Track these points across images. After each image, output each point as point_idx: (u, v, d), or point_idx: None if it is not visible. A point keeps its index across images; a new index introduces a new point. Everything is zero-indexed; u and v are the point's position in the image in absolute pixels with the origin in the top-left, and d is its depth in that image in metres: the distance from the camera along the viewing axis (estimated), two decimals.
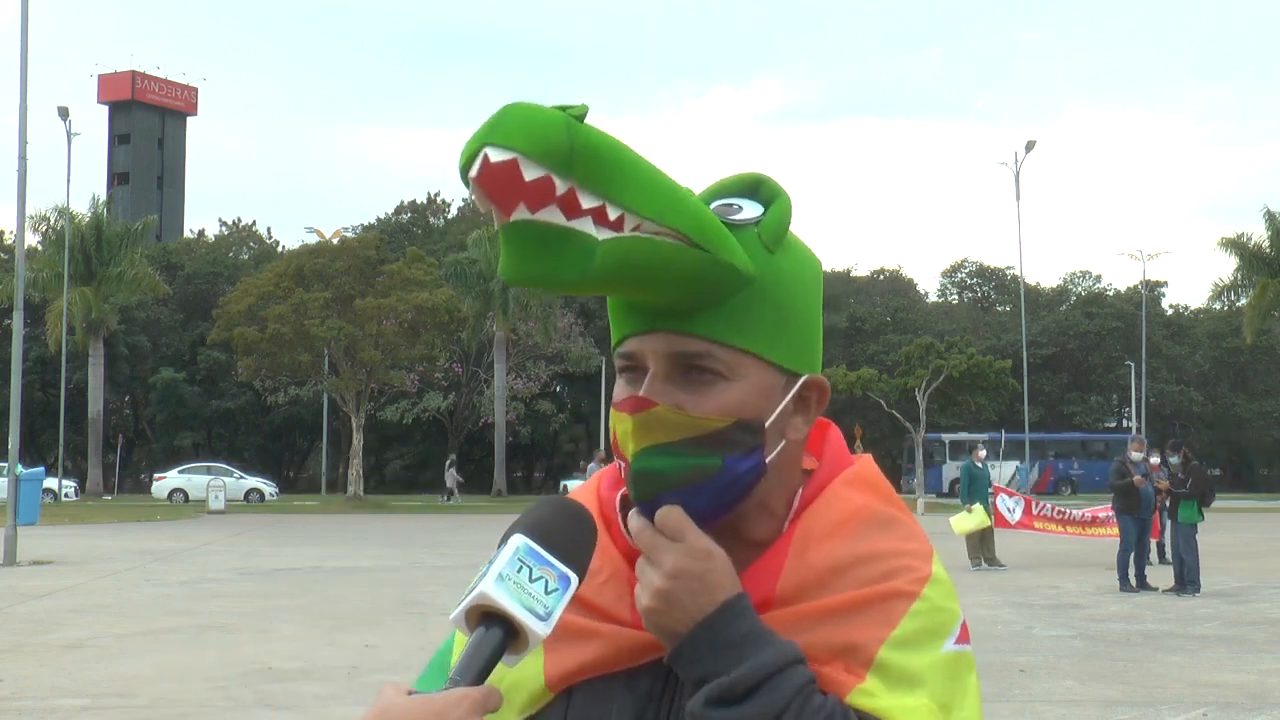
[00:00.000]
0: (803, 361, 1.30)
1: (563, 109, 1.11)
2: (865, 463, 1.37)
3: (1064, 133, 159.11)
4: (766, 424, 1.26)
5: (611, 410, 1.30)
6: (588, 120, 1.13)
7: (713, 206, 1.26)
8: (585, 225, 1.13)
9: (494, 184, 1.11)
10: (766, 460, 1.26)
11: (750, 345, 1.25)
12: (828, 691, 1.19)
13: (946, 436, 60.88)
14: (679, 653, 1.19)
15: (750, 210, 1.28)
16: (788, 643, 1.19)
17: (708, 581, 1.19)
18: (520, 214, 1.12)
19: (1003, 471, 51.44)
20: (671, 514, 1.21)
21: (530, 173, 1.09)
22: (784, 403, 1.28)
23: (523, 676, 1.27)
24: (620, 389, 1.29)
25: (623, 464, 1.27)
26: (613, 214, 1.14)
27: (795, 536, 1.28)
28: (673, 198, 1.18)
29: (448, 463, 55.89)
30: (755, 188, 1.31)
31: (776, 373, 1.28)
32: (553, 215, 1.12)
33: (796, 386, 1.29)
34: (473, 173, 1.11)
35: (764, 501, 1.29)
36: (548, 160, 1.09)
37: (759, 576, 1.25)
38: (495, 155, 1.09)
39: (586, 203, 1.12)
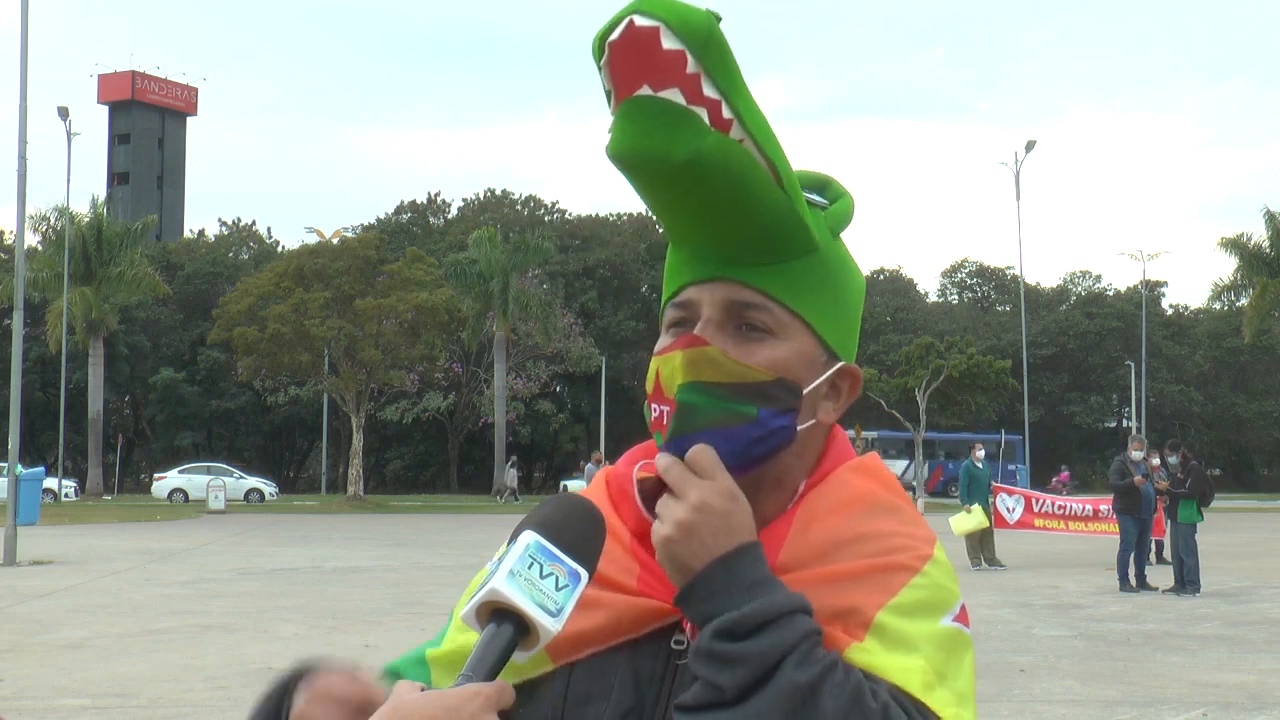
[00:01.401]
0: (844, 348, 1.35)
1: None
2: (871, 456, 1.40)
3: (1066, 133, 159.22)
4: (805, 390, 1.29)
5: (655, 357, 1.31)
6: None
7: None
8: (701, 113, 1.18)
9: (630, 51, 1.15)
10: (798, 428, 1.29)
11: (803, 309, 1.29)
12: (827, 648, 1.20)
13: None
14: (691, 587, 1.20)
15: (819, 200, 1.34)
16: (798, 594, 1.20)
17: (730, 522, 1.20)
18: (644, 91, 1.16)
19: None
20: (705, 452, 1.23)
21: (669, 43, 1.15)
22: (822, 378, 1.31)
23: None
24: (665, 340, 1.31)
25: (664, 408, 1.28)
26: (726, 113, 1.19)
27: (799, 514, 1.30)
28: (774, 133, 1.23)
29: (508, 463, 55.56)
30: (823, 186, 1.38)
31: (820, 347, 1.31)
32: (675, 95, 1.16)
33: (835, 368, 1.33)
34: (614, 36, 1.16)
35: (779, 478, 1.31)
36: (688, 36, 1.15)
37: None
38: (641, 21, 1.15)
39: (708, 91, 1.17)
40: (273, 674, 1.33)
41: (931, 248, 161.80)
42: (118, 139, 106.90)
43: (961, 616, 1.29)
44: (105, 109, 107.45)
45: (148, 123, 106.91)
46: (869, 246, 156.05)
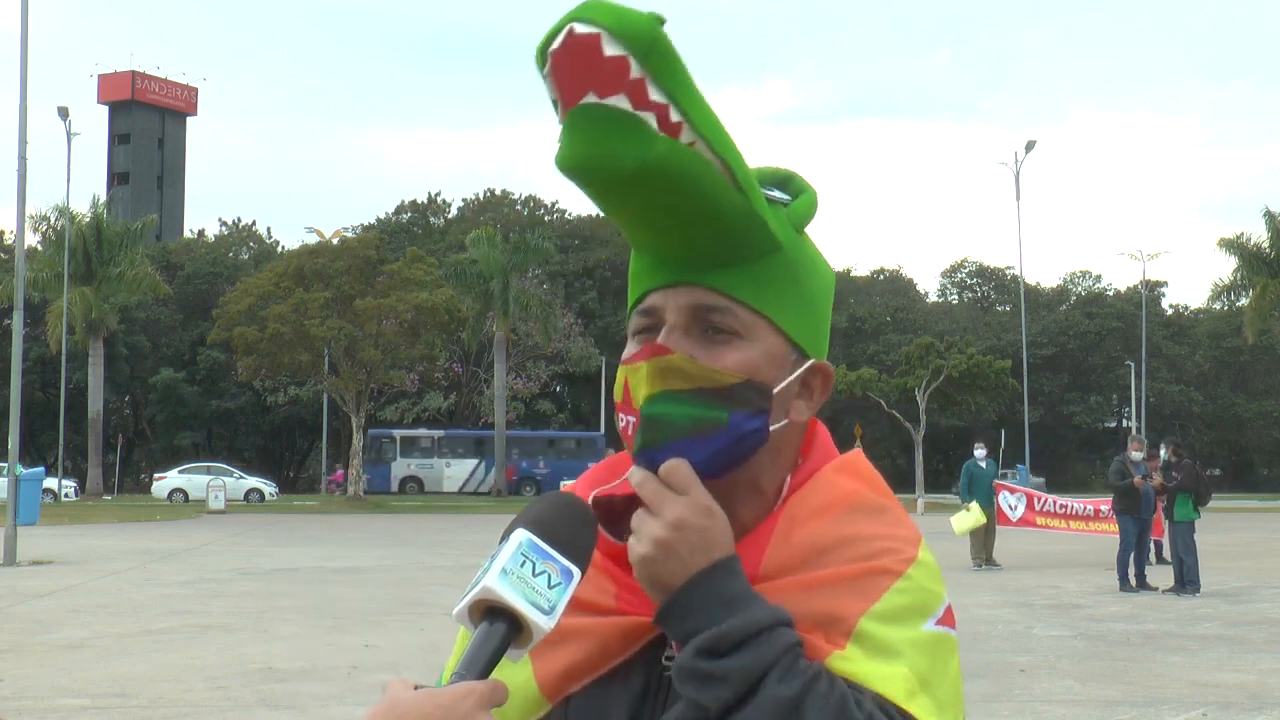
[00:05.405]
0: (813, 345, 1.32)
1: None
2: (856, 454, 1.38)
3: (1068, 134, 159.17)
4: (775, 390, 1.27)
5: (620, 366, 1.30)
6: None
7: None
8: (649, 119, 1.15)
9: (572, 59, 1.14)
10: (770, 429, 1.27)
11: (768, 309, 1.27)
12: (808, 657, 1.20)
13: (397, 432, 60.00)
14: (671, 606, 1.19)
15: (781, 196, 1.32)
16: (778, 606, 1.19)
17: (707, 537, 1.19)
18: (590, 99, 1.14)
19: None
20: (679, 467, 1.22)
21: (611, 49, 1.13)
22: (791, 378, 1.29)
23: (513, 684, 1.25)
24: (632, 348, 1.30)
25: (630, 418, 1.27)
26: (674, 116, 1.16)
27: (781, 518, 1.28)
28: (727, 133, 1.21)
29: None
30: (785, 181, 1.35)
31: (788, 345, 1.29)
32: (621, 102, 1.14)
33: (805, 367, 1.31)
34: (555, 45, 1.14)
35: (755, 480, 1.29)
36: (630, 42, 1.13)
37: (743, 555, 1.25)
38: (581, 28, 1.13)
39: (654, 96, 1.15)
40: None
41: (931, 248, 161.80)
42: (118, 139, 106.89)
43: (946, 619, 1.28)
44: (105, 109, 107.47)
45: (148, 123, 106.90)
46: (869, 246, 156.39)
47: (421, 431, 61.07)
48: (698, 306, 1.26)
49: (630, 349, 1.30)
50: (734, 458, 1.26)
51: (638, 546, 1.20)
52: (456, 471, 60.15)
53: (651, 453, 1.24)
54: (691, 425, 1.24)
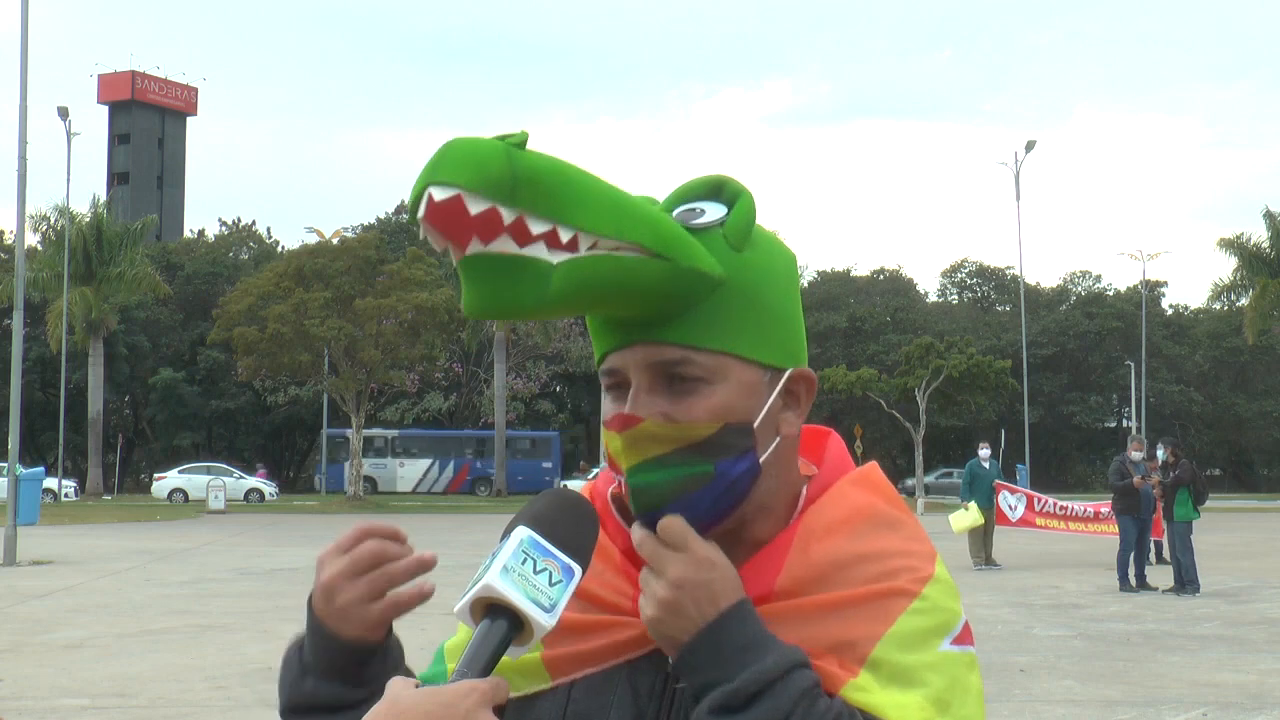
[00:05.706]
0: (785, 355, 1.30)
1: (502, 138, 1.13)
2: (871, 467, 1.37)
3: (1070, 134, 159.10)
4: (756, 424, 1.26)
5: (602, 428, 1.30)
6: (531, 145, 1.13)
7: (675, 213, 1.26)
8: (538, 251, 1.13)
9: (442, 222, 1.12)
10: (761, 459, 1.26)
11: (727, 346, 1.24)
12: (822, 685, 1.19)
13: (351, 432, 59.85)
14: (683, 661, 1.19)
15: (714, 212, 1.27)
16: (791, 647, 1.18)
17: (711, 590, 1.19)
18: (474, 248, 1.13)
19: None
20: (674, 524, 1.21)
21: (475, 206, 1.10)
22: (771, 399, 1.27)
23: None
24: (608, 406, 1.29)
25: (620, 477, 1.27)
26: (565, 236, 1.14)
27: (798, 533, 1.28)
28: (626, 211, 1.17)
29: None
30: (718, 190, 1.30)
31: (759, 370, 1.27)
32: (505, 245, 1.12)
33: (782, 381, 1.29)
34: (420, 213, 1.13)
35: (764, 503, 1.28)
36: (490, 192, 1.10)
37: (760, 572, 1.25)
38: (439, 194, 1.11)
39: (536, 228, 1.12)
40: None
41: (931, 248, 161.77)
42: (118, 139, 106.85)
43: (963, 636, 1.27)
44: (105, 109, 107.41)
45: (148, 123, 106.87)
46: (869, 246, 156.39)
47: (376, 431, 61.01)
48: (657, 363, 1.24)
49: (606, 407, 1.29)
50: (732, 501, 1.25)
51: (646, 609, 1.21)
52: (410, 472, 60.37)
53: (648, 517, 1.24)
54: (679, 485, 1.23)
